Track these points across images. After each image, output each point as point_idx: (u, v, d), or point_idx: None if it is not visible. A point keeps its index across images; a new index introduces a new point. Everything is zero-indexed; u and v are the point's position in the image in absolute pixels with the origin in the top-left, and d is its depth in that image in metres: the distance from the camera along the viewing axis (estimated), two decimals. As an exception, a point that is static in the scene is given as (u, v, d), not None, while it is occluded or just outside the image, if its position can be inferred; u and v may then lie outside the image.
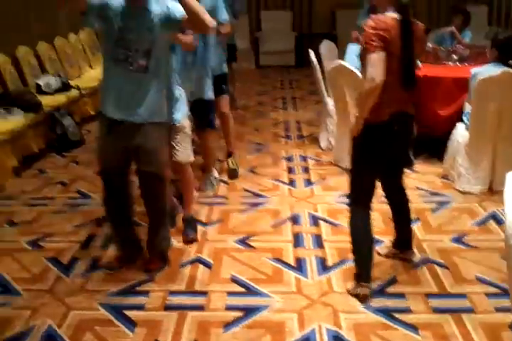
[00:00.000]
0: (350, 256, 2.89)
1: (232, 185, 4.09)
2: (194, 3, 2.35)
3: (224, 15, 3.77)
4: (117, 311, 2.51)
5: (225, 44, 4.14)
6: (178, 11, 2.41)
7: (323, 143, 4.91)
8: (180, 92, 3.07)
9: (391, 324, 2.40)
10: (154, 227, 2.87)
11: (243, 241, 3.19)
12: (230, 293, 2.66)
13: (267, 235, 3.29)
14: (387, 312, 2.47)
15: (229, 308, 2.54)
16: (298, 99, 7.01)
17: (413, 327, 2.37)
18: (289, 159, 4.67)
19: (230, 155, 4.33)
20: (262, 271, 2.87)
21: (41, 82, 5.36)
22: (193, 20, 2.39)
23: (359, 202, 2.66)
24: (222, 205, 3.73)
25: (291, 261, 2.96)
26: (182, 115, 3.09)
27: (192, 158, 3.24)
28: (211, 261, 2.97)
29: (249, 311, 2.50)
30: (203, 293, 2.67)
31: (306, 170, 4.40)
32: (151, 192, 2.78)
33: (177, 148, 3.11)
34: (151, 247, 2.91)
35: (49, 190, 4.05)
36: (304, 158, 4.68)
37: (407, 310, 2.50)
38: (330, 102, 4.69)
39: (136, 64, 2.48)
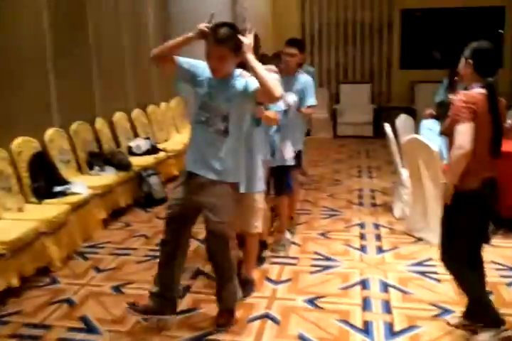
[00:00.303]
0: (419, 323, 2.92)
1: (304, 248, 4.21)
2: (263, 73, 2.58)
3: (311, 99, 4.13)
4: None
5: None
6: (254, 83, 2.64)
7: (396, 212, 4.97)
8: (259, 164, 3.23)
9: None
10: (221, 283, 2.96)
11: (312, 301, 3.27)
12: (297, 349, 2.73)
13: (335, 297, 3.35)
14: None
15: (295, 364, 2.61)
16: (374, 168, 7.14)
17: None
18: (362, 226, 4.75)
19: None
20: (329, 331, 2.93)
21: (132, 144, 5.88)
22: (262, 89, 2.59)
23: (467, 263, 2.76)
24: (293, 266, 3.84)
25: (359, 324, 3.00)
26: (258, 186, 3.22)
27: (259, 230, 3.35)
28: (279, 318, 3.07)
29: (314, 368, 2.55)
30: (271, 347, 2.76)
31: (379, 237, 4.46)
32: (213, 249, 2.90)
33: (249, 220, 3.26)
34: (219, 302, 2.99)
35: (133, 241, 4.36)
36: (377, 226, 4.74)
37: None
38: (404, 173, 4.80)
39: (214, 126, 2.72)
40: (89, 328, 2.97)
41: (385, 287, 3.49)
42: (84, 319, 3.07)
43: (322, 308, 3.19)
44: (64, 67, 4.93)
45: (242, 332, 2.91)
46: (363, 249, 4.19)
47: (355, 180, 6.49)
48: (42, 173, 4.29)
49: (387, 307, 3.20)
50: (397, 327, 2.97)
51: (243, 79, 2.70)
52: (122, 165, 5.16)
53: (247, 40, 2.63)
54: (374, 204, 5.44)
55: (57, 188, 4.27)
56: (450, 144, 2.69)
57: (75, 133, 5.03)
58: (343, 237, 4.44)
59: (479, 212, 2.70)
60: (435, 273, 3.69)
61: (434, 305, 3.21)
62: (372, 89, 10.17)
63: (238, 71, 2.75)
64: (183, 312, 3.11)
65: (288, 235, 4.21)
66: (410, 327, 2.96)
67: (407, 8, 9.92)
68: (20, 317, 3.11)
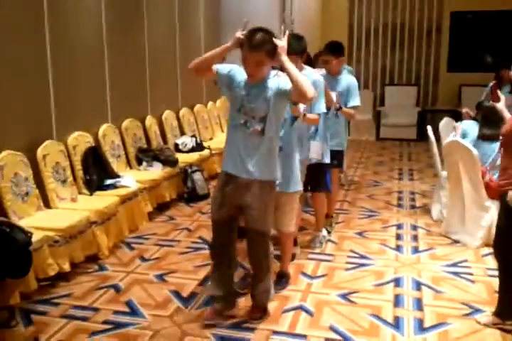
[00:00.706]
0: (449, 320, 3.02)
1: (340, 246, 4.32)
2: (297, 75, 2.64)
3: (355, 101, 4.24)
4: (224, 342, 2.76)
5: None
6: (288, 83, 2.70)
7: (434, 214, 5.02)
8: (295, 162, 3.32)
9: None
10: (256, 280, 3.07)
11: (345, 296, 3.39)
12: (327, 339, 2.87)
13: (368, 293, 3.46)
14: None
15: (325, 352, 2.75)
16: (415, 171, 7.16)
17: None
18: (399, 226, 4.82)
19: (327, 216, 4.56)
20: (360, 324, 3.05)
21: (179, 142, 6.12)
22: (295, 89, 2.66)
23: None
24: (328, 262, 3.96)
25: (389, 319, 3.11)
26: (294, 186, 3.33)
27: (294, 229, 3.49)
28: (313, 310, 3.21)
29: (343, 357, 2.68)
30: (303, 336, 2.90)
31: (415, 238, 4.52)
32: (253, 247, 3.01)
33: (284, 219, 3.37)
34: (253, 298, 3.11)
35: (176, 233, 4.57)
36: (414, 227, 4.80)
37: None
38: (444, 175, 4.84)
39: (252, 128, 2.80)
40: (134, 312, 3.18)
41: (418, 285, 3.57)
42: (129, 303, 3.29)
43: (354, 303, 3.31)
44: (119, 67, 5.19)
45: (277, 322, 3.06)
46: (398, 248, 4.27)
47: (396, 182, 6.53)
48: (94, 167, 4.55)
49: (419, 305, 3.29)
50: (427, 324, 3.06)
51: (278, 80, 2.78)
52: (169, 161, 5.39)
53: (282, 42, 2.69)
54: (413, 206, 5.48)
55: (108, 181, 4.53)
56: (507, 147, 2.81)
57: (126, 130, 5.30)
58: (380, 237, 4.53)
59: None
60: (470, 274, 3.76)
61: (465, 304, 3.28)
62: (419, 91, 10.13)
63: (274, 72, 2.83)
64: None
65: (324, 232, 4.33)
66: (440, 324, 3.05)
67: (456, 11, 9.83)
68: (70, 299, 3.35)
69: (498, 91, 4.55)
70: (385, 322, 3.07)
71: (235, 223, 3.04)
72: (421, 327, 3.02)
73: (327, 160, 3.97)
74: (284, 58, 2.66)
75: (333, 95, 3.89)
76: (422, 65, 10.17)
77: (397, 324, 3.05)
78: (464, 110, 5.37)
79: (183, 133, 6.44)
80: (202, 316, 3.11)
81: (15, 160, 3.74)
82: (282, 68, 2.74)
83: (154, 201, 5.03)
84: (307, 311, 3.19)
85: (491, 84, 6.35)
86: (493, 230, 4.16)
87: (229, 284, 3.11)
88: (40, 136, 4.11)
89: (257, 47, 2.65)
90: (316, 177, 3.96)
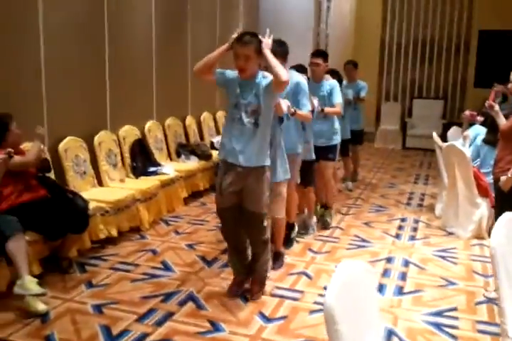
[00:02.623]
0: (425, 289, 3.63)
1: (347, 231, 4.97)
2: (274, 60, 3.09)
3: (338, 98, 4.73)
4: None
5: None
6: (271, 78, 3.14)
7: (437, 211, 5.60)
8: (283, 156, 3.74)
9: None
10: (256, 255, 3.48)
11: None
12: (320, 295, 3.53)
13: (362, 266, 4.09)
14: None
15: (316, 303, 3.41)
16: (431, 176, 7.70)
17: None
18: (403, 220, 5.42)
19: (326, 208, 5.12)
20: (350, 287, 3.70)
21: (214, 140, 6.87)
22: (272, 73, 3.07)
23: None
24: (333, 243, 4.62)
25: (375, 285, 3.75)
26: (282, 176, 3.73)
27: (282, 215, 3.91)
28: (313, 275, 3.88)
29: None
30: (300, 292, 3.58)
31: (415, 229, 5.13)
32: (251, 226, 3.39)
33: (275, 206, 3.80)
34: (252, 273, 3.52)
35: (206, 216, 5.32)
36: (417, 221, 5.40)
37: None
38: (445, 176, 5.44)
39: (246, 120, 3.17)
40: (166, 268, 3.93)
41: (407, 263, 4.19)
42: (163, 262, 4.04)
43: (349, 272, 3.96)
44: (165, 72, 6.01)
45: (281, 280, 3.75)
46: (397, 236, 4.89)
47: (410, 185, 7.12)
48: (140, 155, 5.35)
49: (403, 277, 3.92)
50: (405, 290, 3.69)
51: (265, 78, 3.20)
52: (204, 156, 6.16)
53: (266, 40, 3.18)
54: (420, 205, 6.08)
55: (151, 168, 5.32)
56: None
57: (168, 127, 6.10)
58: (383, 227, 5.15)
59: None
60: (455, 258, 4.34)
61: (443, 279, 3.89)
62: (445, 105, 10.64)
63: (261, 73, 3.25)
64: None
65: (314, 221, 4.88)
66: (416, 291, 3.67)
67: (485, 30, 10.33)
68: (116, 257, 4.12)
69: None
70: (370, 286, 3.71)
71: (239, 210, 3.35)
72: (400, 292, 3.65)
73: (312, 156, 4.43)
74: (267, 51, 3.14)
75: (315, 101, 4.23)
76: (450, 79, 10.68)
77: (380, 288, 3.69)
78: (467, 112, 5.88)
79: (218, 133, 7.20)
80: (220, 274, 3.82)
81: (76, 144, 4.56)
82: (267, 69, 3.21)
83: (190, 188, 5.79)
84: (307, 275, 3.86)
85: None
86: (483, 224, 4.80)
87: (244, 260, 3.55)
88: (97, 126, 4.94)
89: (247, 43, 3.10)
90: (306, 173, 4.41)
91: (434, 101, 10.68)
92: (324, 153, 4.75)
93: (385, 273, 3.99)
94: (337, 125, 4.91)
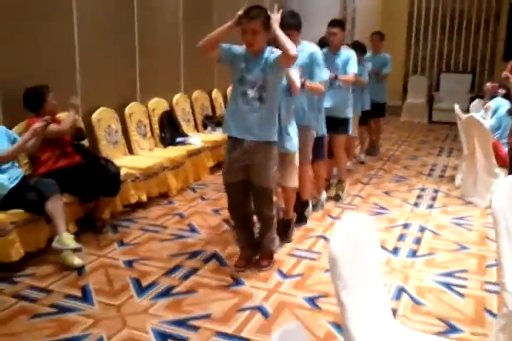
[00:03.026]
0: (438, 252, 3.80)
1: (366, 199, 5.14)
2: (282, 35, 3.04)
3: (353, 68, 4.66)
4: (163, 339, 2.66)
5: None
6: (279, 53, 3.10)
7: (457, 182, 5.71)
8: (294, 128, 3.69)
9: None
10: (263, 231, 3.52)
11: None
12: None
13: (379, 231, 4.25)
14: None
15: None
16: (455, 149, 7.75)
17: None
18: (423, 190, 5.56)
19: (338, 181, 5.18)
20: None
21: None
22: (280, 47, 3.02)
23: None
24: (352, 210, 4.80)
25: (390, 248, 3.92)
26: (294, 146, 3.70)
27: (296, 184, 3.89)
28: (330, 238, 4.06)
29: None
30: (318, 253, 3.79)
31: (434, 198, 5.26)
32: (259, 201, 3.40)
33: (287, 175, 3.77)
34: (261, 247, 3.55)
35: (231, 184, 5.55)
36: (436, 191, 5.53)
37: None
38: (466, 148, 5.53)
39: (252, 95, 3.14)
40: (192, 230, 4.19)
41: (422, 229, 4.35)
42: (190, 225, 4.30)
43: (365, 236, 4.15)
44: (191, 47, 6.15)
45: (300, 243, 3.96)
46: (416, 204, 5.04)
47: (433, 158, 7.21)
48: (168, 127, 5.59)
49: (417, 241, 4.09)
50: (419, 253, 3.86)
51: (273, 54, 3.14)
52: (230, 128, 6.35)
53: (274, 15, 3.11)
54: (441, 176, 6.18)
55: (179, 139, 5.55)
56: None
57: (195, 99, 6.31)
58: (402, 196, 5.30)
59: None
60: (470, 225, 4.48)
61: (456, 243, 4.05)
62: (473, 79, 10.56)
63: (270, 48, 3.20)
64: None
65: (324, 196, 4.81)
66: (429, 254, 3.84)
67: (516, 1, 10.16)
68: (145, 220, 4.39)
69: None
70: (385, 249, 3.89)
71: (246, 186, 3.36)
72: (413, 255, 3.83)
73: (321, 132, 4.37)
74: (276, 26, 3.07)
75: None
76: (478, 53, 10.58)
77: (394, 251, 3.87)
78: (488, 85, 5.92)
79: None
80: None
81: (108, 115, 4.80)
82: (276, 45, 3.14)
83: (216, 158, 6.00)
84: (325, 238, 4.06)
85: None
86: (501, 193, 4.91)
87: (250, 236, 3.60)
88: (128, 98, 5.17)
89: (254, 17, 3.05)
90: (316, 148, 4.33)
91: (462, 75, 10.62)
92: (335, 125, 4.74)
93: (401, 237, 4.16)
94: (351, 98, 4.90)
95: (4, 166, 3.44)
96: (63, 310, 2.93)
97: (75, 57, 4.47)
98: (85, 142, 4.34)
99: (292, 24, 3.64)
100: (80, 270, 3.41)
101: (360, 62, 5.28)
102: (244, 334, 2.72)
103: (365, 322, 1.85)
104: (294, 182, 3.87)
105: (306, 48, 3.87)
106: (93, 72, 4.64)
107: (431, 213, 4.80)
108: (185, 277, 3.34)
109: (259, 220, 3.59)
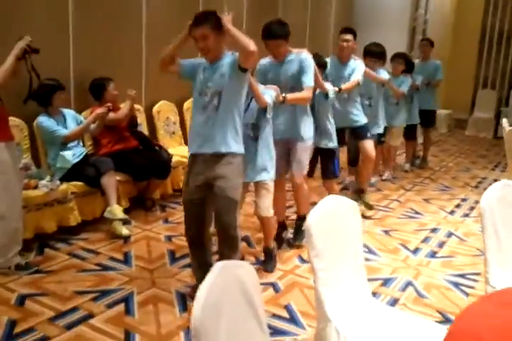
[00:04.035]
0: (457, 256, 3.99)
1: (403, 204, 5.34)
2: (237, 32, 2.77)
3: (355, 75, 4.36)
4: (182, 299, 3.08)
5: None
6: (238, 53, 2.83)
7: (500, 195, 5.77)
8: (272, 154, 3.42)
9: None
10: (221, 257, 3.06)
11: (386, 231, 4.49)
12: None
13: (405, 232, 4.50)
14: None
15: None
16: (512, 165, 7.72)
17: (465, 292, 3.40)
18: (464, 200, 5.67)
19: (362, 191, 5.01)
20: (388, 247, 4.13)
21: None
22: (238, 45, 2.75)
23: None
24: (386, 212, 5.03)
25: (411, 248, 4.14)
26: (270, 177, 3.40)
27: (271, 213, 3.49)
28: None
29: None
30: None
31: (472, 208, 5.38)
32: (222, 214, 2.95)
33: (259, 203, 3.42)
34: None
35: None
36: (477, 202, 5.58)
37: (470, 286, 3.53)
38: (510, 162, 5.61)
39: (210, 105, 2.87)
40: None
41: (450, 234, 4.53)
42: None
43: (390, 236, 4.39)
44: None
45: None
46: (452, 212, 5.19)
47: (486, 171, 7.23)
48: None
49: (441, 245, 4.28)
50: (438, 255, 4.07)
51: (233, 56, 2.89)
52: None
53: (225, 16, 2.82)
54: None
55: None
56: None
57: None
58: (441, 203, 5.46)
59: None
60: (499, 235, 4.60)
61: (479, 250, 4.20)
62: (546, 96, 10.33)
63: (229, 52, 2.94)
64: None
65: None
66: (448, 256, 4.04)
67: None
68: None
69: None
70: (406, 248, 4.13)
71: (205, 206, 3.03)
72: (432, 255, 4.04)
73: (332, 144, 4.17)
74: (228, 25, 2.78)
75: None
76: (555, 69, 10.34)
77: (415, 251, 4.10)
78: None
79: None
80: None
81: (168, 108, 5.32)
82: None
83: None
84: (352, 234, 4.34)
85: None
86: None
87: (205, 258, 3.17)
88: (187, 94, 5.59)
89: (201, 22, 2.80)
90: (324, 163, 4.27)
91: (533, 92, 10.41)
92: (355, 134, 4.77)
93: (425, 239, 4.36)
94: (359, 106, 4.76)
95: (71, 144, 4.02)
96: (106, 268, 3.45)
97: (142, 54, 5.01)
98: (145, 130, 4.86)
99: (280, 34, 3.51)
100: (126, 239, 3.91)
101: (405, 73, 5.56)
102: (253, 303, 3.09)
103: (335, 288, 2.16)
104: (267, 211, 3.47)
105: (296, 57, 3.63)
106: (157, 69, 5.12)
107: (464, 221, 4.94)
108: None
109: (218, 243, 3.11)
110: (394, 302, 3.20)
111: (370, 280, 3.37)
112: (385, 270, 3.70)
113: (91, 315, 2.86)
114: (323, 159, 4.32)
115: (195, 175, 2.98)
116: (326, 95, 3.97)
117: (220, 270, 1.46)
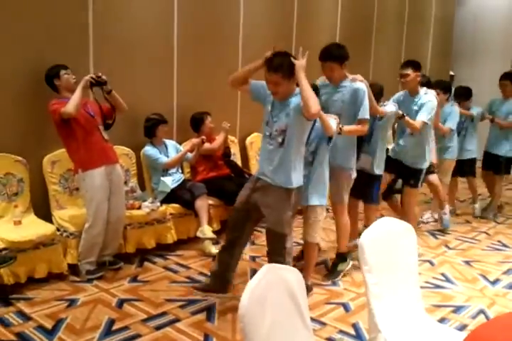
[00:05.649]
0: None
1: (492, 237, 5.28)
2: (307, 90, 2.89)
3: (420, 115, 4.19)
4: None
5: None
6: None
7: None
8: (326, 180, 3.54)
9: None
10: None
11: (467, 262, 4.52)
12: (434, 278, 4.09)
13: (487, 264, 4.48)
14: None
15: (430, 282, 3.99)
16: None
17: None
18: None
19: None
20: (466, 276, 4.17)
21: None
22: (302, 102, 2.91)
23: None
24: (472, 243, 5.02)
25: (492, 279, 4.14)
26: (320, 202, 3.53)
27: (318, 240, 3.67)
28: (436, 263, 4.42)
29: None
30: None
31: None
32: (271, 245, 3.24)
33: (308, 230, 3.60)
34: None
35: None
36: None
37: None
38: None
39: (275, 140, 3.09)
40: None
41: None
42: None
43: (471, 266, 4.41)
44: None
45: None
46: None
47: None
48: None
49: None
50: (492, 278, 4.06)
51: (300, 97, 2.97)
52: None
53: (299, 62, 2.96)
54: None
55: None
56: None
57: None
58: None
59: None
60: None
61: None
62: None
63: (298, 90, 3.00)
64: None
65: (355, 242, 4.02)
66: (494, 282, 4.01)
67: None
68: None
69: None
70: (485, 279, 4.14)
71: (251, 220, 3.30)
72: (511, 287, 4.02)
73: (377, 171, 4.15)
74: (301, 75, 2.92)
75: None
76: None
77: (494, 282, 4.10)
78: None
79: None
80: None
81: (260, 139, 5.70)
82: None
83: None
84: (431, 263, 4.43)
85: None
86: None
87: (226, 269, 3.40)
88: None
89: (275, 69, 2.95)
90: (365, 189, 4.19)
91: None
92: (405, 175, 4.54)
93: (507, 271, 4.34)
94: (427, 148, 4.47)
95: (171, 171, 4.56)
96: (194, 281, 3.86)
97: (237, 92, 5.45)
98: (238, 159, 5.31)
99: (334, 55, 3.51)
100: (214, 257, 4.28)
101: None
102: (323, 319, 3.33)
103: (387, 302, 2.37)
104: (314, 237, 3.62)
105: (350, 85, 3.60)
106: (250, 103, 5.60)
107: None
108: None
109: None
110: (462, 328, 3.28)
111: (441, 306, 3.58)
112: (459, 298, 3.78)
113: (177, 319, 3.26)
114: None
115: (249, 192, 3.23)
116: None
117: (267, 269, 1.77)
